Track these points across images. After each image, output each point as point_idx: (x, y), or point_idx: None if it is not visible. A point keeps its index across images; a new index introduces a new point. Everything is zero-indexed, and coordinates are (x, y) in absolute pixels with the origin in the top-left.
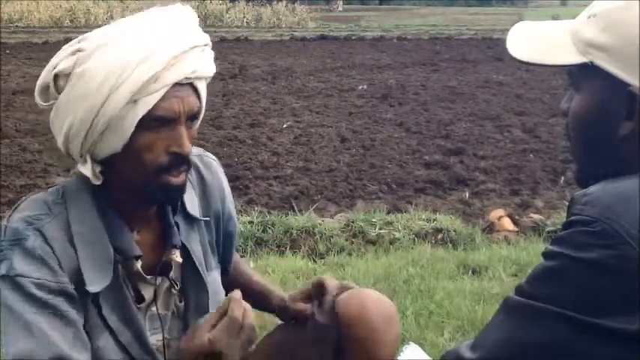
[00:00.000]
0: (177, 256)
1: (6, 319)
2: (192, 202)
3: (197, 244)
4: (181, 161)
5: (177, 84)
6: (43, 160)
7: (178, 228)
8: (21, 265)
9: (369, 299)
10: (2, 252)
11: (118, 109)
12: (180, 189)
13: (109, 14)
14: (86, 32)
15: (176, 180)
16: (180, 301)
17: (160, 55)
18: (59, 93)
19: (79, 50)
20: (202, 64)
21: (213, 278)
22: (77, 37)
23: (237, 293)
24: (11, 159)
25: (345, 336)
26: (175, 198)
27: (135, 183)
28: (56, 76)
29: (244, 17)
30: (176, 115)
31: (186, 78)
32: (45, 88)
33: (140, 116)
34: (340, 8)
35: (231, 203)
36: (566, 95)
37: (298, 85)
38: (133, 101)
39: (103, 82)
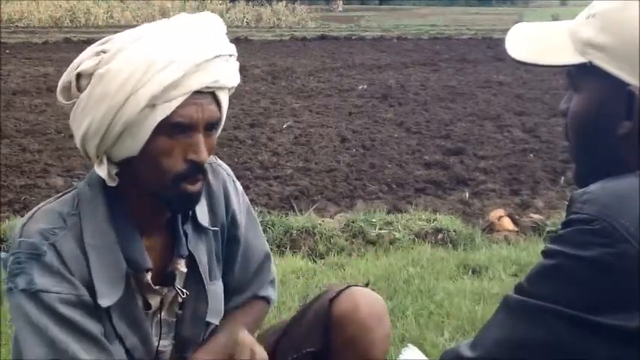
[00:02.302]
0: (182, 266)
1: (24, 332)
2: (202, 211)
3: (204, 253)
4: (198, 169)
5: (198, 92)
6: (43, 160)
7: (187, 237)
8: (41, 279)
9: (362, 298)
10: (20, 265)
11: (135, 112)
12: (197, 197)
13: (108, 14)
14: (86, 32)
15: (193, 188)
16: (180, 309)
17: (182, 62)
18: (80, 92)
19: (102, 51)
20: (225, 74)
21: (216, 288)
22: (77, 37)
23: (247, 338)
24: (11, 159)
25: (336, 335)
26: (191, 206)
27: (152, 188)
28: (78, 76)
29: (244, 17)
30: (194, 123)
31: (207, 87)
32: (67, 87)
33: (158, 121)
34: (340, 8)
35: (239, 211)
36: (566, 96)
37: (298, 85)
38: (152, 106)
39: (123, 84)
